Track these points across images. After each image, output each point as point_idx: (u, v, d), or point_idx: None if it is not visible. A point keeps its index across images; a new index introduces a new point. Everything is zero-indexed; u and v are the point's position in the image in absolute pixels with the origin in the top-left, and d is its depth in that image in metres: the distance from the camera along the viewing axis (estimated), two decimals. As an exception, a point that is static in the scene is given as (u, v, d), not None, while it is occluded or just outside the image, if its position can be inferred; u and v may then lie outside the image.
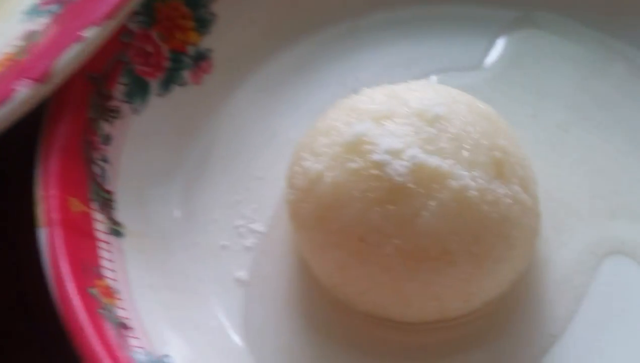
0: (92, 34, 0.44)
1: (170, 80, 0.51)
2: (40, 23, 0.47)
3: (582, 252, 0.46)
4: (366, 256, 0.41)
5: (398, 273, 0.40)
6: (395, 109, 0.42)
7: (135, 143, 0.48)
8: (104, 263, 0.43)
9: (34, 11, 0.49)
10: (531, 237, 0.43)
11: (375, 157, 0.40)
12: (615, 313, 0.45)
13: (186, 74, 0.52)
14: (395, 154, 0.40)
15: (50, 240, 0.40)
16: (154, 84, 0.50)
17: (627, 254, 0.46)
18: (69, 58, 0.43)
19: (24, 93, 0.42)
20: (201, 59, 0.52)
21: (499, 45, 0.54)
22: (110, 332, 0.39)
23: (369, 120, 0.42)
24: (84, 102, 0.46)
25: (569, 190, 0.48)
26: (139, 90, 0.49)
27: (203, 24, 0.52)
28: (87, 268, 0.41)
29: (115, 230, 0.45)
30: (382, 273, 0.41)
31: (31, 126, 0.44)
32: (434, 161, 0.40)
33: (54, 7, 0.47)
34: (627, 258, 0.46)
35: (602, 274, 0.46)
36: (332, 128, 0.43)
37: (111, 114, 0.48)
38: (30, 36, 0.46)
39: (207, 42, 0.53)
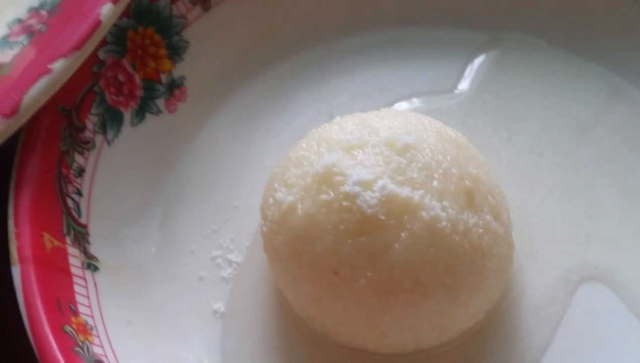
0: (60, 66, 0.44)
1: (144, 110, 0.51)
2: (9, 54, 0.47)
3: (557, 279, 0.47)
4: (340, 289, 0.41)
5: (372, 306, 0.41)
6: (365, 139, 0.42)
7: (109, 174, 0.48)
8: (79, 299, 0.43)
9: (3, 43, 0.48)
10: (505, 267, 0.44)
11: (346, 188, 0.40)
12: (590, 340, 0.45)
13: (160, 103, 0.52)
14: (366, 185, 0.40)
15: (23, 278, 0.40)
16: (128, 113, 0.50)
17: (600, 280, 0.47)
18: (37, 91, 0.43)
19: (-8, 128, 0.42)
20: (175, 87, 0.52)
21: (471, 68, 0.55)
22: (85, 371, 0.39)
23: (339, 151, 0.42)
24: (56, 134, 0.46)
25: (543, 215, 0.49)
26: (112, 121, 0.49)
27: (176, 51, 0.53)
28: (62, 304, 0.41)
29: (90, 264, 0.45)
30: (356, 306, 0.41)
31: (2, 159, 0.44)
32: (404, 192, 0.40)
33: (22, 39, 0.47)
34: (601, 285, 0.47)
35: (577, 301, 0.46)
36: (304, 158, 0.43)
37: (84, 145, 0.47)
38: (-1, 69, 0.46)
39: (180, 69, 0.53)
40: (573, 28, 0.54)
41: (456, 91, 0.54)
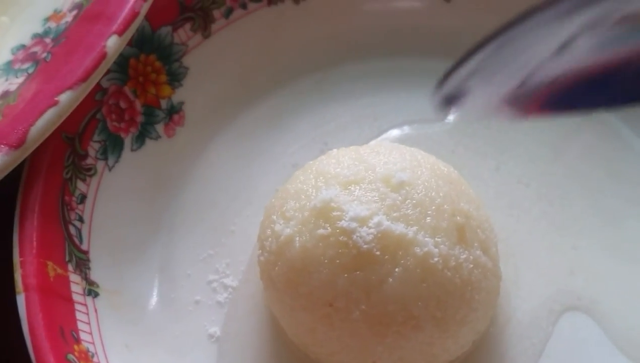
0: (66, 98, 0.45)
1: (143, 135, 0.52)
2: (14, 83, 0.48)
3: (541, 308, 0.48)
4: (335, 320, 0.42)
5: (365, 338, 0.42)
6: (362, 174, 0.44)
7: (110, 200, 0.50)
8: (81, 325, 0.44)
9: (8, 69, 0.49)
10: (492, 299, 0.45)
11: (343, 224, 0.42)
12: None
13: (159, 128, 0.53)
14: (362, 221, 0.42)
15: (28, 307, 0.42)
16: (128, 139, 0.51)
17: (583, 310, 0.48)
18: (44, 123, 0.44)
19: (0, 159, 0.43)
20: (174, 112, 0.54)
21: (463, 99, 0.56)
22: (88, 400, 0.40)
23: (337, 186, 0.44)
24: (59, 162, 0.47)
25: (529, 245, 0.50)
26: (113, 147, 0.51)
27: (175, 77, 0.54)
28: (66, 333, 0.42)
29: (91, 290, 0.46)
30: (351, 337, 0.42)
31: (6, 188, 0.45)
32: (398, 228, 0.42)
33: (27, 66, 0.48)
34: (584, 315, 0.48)
35: (559, 330, 0.48)
36: (302, 191, 0.45)
37: (86, 172, 0.49)
38: (4, 97, 0.47)
39: (179, 95, 0.54)
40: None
41: (447, 120, 0.56)
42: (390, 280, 0.41)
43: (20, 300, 0.42)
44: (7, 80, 0.49)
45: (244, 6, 0.56)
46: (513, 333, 0.48)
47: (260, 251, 0.46)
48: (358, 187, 0.43)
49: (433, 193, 0.43)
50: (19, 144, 0.44)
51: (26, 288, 0.42)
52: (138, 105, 0.52)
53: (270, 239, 0.45)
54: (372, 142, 0.53)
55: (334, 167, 0.45)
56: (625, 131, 0.54)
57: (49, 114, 0.44)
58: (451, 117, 0.55)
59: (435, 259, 0.42)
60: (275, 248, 0.44)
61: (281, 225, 0.44)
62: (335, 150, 0.48)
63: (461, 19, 0.57)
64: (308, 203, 0.44)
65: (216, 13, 0.55)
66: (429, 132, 0.55)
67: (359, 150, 0.47)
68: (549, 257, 0.50)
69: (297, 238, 0.43)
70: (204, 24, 0.54)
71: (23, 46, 0.50)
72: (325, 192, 0.43)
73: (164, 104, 0.53)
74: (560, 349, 0.47)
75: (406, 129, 0.55)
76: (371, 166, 0.44)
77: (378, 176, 0.44)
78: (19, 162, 0.44)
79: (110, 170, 0.50)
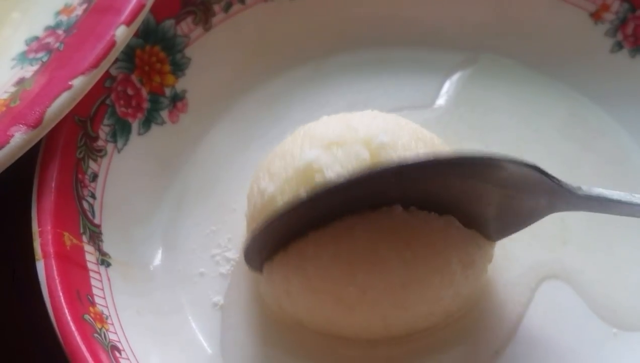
0: (79, 83, 0.48)
1: (149, 120, 0.56)
2: (29, 70, 0.51)
3: (524, 275, 0.51)
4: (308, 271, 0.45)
5: (336, 279, 0.45)
6: (344, 136, 0.46)
7: (119, 179, 0.53)
8: (95, 291, 0.47)
9: (22, 58, 0.53)
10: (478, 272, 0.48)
11: None
12: (550, 333, 0.50)
13: (164, 114, 0.56)
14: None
15: (47, 272, 0.44)
16: (135, 124, 0.55)
17: (563, 279, 0.51)
18: (59, 105, 0.47)
19: (19, 138, 0.46)
20: (177, 100, 0.57)
21: (449, 85, 0.60)
22: (104, 355, 0.43)
23: (319, 147, 0.46)
24: (73, 143, 0.50)
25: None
26: (121, 131, 0.54)
27: (179, 67, 0.57)
28: (82, 296, 0.45)
29: (104, 260, 0.49)
30: (322, 281, 0.45)
31: (24, 167, 0.48)
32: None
33: (41, 55, 0.52)
34: (563, 283, 0.51)
35: (539, 297, 0.51)
36: (288, 151, 0.47)
37: (97, 153, 0.52)
38: (20, 83, 0.50)
39: (182, 83, 0.57)
40: (540, 50, 0.60)
41: (435, 106, 0.59)
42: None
43: (40, 266, 0.45)
44: (22, 68, 0.52)
45: (242, 1, 0.59)
46: (497, 298, 0.50)
47: (248, 206, 0.49)
48: (340, 149, 0.46)
49: (410, 153, 0.46)
50: (37, 123, 0.47)
51: (45, 255, 0.45)
52: (144, 92, 0.55)
53: (255, 195, 0.48)
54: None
55: (320, 130, 0.48)
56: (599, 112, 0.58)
57: (64, 97, 0.47)
58: (438, 103, 0.59)
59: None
60: (260, 205, 0.47)
61: (266, 182, 0.47)
62: (325, 116, 0.50)
63: (449, 10, 0.61)
64: (292, 163, 0.46)
65: (216, 7, 0.58)
66: (418, 117, 0.57)
67: (347, 116, 0.49)
68: (538, 226, 0.50)
69: (279, 197, 0.46)
70: (204, 18, 0.58)
71: (36, 37, 0.54)
72: (309, 153, 0.46)
73: (168, 91, 0.57)
74: (540, 314, 0.50)
75: (396, 115, 0.58)
76: (354, 128, 0.47)
77: (360, 137, 0.46)
78: (36, 141, 0.47)
79: (119, 152, 0.53)
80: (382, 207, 0.44)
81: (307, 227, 0.45)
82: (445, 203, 0.45)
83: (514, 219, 0.47)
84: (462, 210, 0.45)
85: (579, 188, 0.46)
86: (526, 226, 0.48)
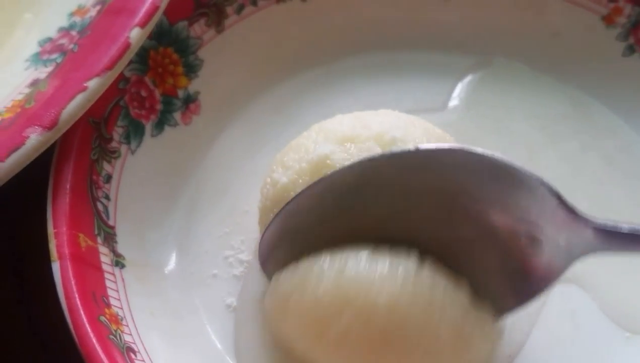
0: (94, 84, 0.48)
1: (162, 122, 0.56)
2: (43, 71, 0.51)
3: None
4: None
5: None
6: (357, 131, 0.48)
7: (133, 181, 0.53)
8: (110, 292, 0.47)
9: (36, 60, 0.53)
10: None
11: None
12: (563, 337, 0.50)
13: (177, 116, 0.57)
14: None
15: (62, 273, 0.45)
16: (148, 125, 0.55)
17: (576, 282, 0.52)
18: (75, 107, 0.47)
19: (34, 140, 0.46)
20: (190, 101, 0.57)
21: (461, 88, 0.60)
22: (120, 356, 0.44)
23: (333, 142, 0.47)
24: (87, 145, 0.50)
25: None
26: (135, 132, 0.54)
27: (191, 69, 0.57)
28: (97, 297, 0.45)
29: (118, 262, 0.49)
30: None
31: (39, 168, 0.48)
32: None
33: (55, 57, 0.52)
34: (575, 286, 0.52)
35: (552, 301, 0.51)
36: (302, 145, 0.49)
37: (111, 154, 0.52)
38: (35, 84, 0.50)
39: (195, 85, 0.57)
40: (552, 54, 0.60)
41: (446, 109, 0.59)
42: None
43: (55, 267, 0.45)
44: (36, 69, 0.52)
45: (254, 3, 0.59)
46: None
47: (260, 198, 0.49)
48: (353, 144, 0.47)
49: None
50: (52, 125, 0.47)
51: (60, 257, 0.45)
52: (157, 94, 0.56)
53: (268, 186, 0.48)
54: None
55: (335, 126, 0.49)
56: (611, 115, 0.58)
57: (79, 98, 0.48)
58: (450, 106, 0.59)
59: None
60: (272, 196, 0.48)
61: (279, 173, 0.48)
62: (339, 114, 0.51)
63: (461, 14, 0.61)
64: (306, 156, 0.47)
65: (229, 9, 0.58)
66: (429, 120, 0.57)
67: (361, 114, 0.50)
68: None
69: (291, 187, 0.47)
70: (217, 20, 0.58)
71: (50, 39, 0.54)
72: (322, 147, 0.47)
73: (181, 93, 0.57)
74: (553, 319, 0.50)
75: (407, 118, 0.59)
76: (368, 125, 0.48)
77: (373, 133, 0.47)
78: (51, 142, 0.47)
79: (132, 153, 0.53)
80: (399, 248, 0.44)
81: (321, 241, 0.45)
82: (460, 257, 0.44)
83: (528, 277, 0.45)
84: (475, 268, 0.44)
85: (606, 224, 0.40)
86: (541, 291, 0.45)
